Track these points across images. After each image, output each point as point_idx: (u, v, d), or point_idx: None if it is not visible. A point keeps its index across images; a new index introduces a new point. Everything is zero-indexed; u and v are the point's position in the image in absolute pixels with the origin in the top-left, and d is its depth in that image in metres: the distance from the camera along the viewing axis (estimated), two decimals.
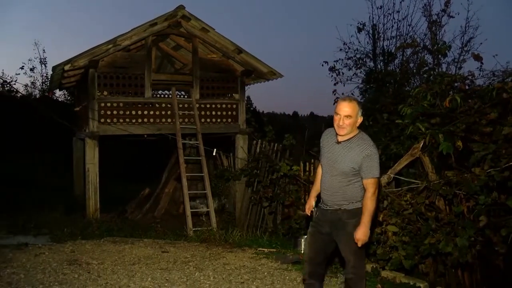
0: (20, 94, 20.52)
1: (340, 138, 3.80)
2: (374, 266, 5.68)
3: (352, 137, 3.76)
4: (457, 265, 5.66)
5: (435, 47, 12.54)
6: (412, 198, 5.84)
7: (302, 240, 6.86)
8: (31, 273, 5.30)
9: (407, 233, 5.64)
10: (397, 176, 6.53)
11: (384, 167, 7.37)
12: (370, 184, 3.67)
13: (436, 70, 11.63)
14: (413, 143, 6.46)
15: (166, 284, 5.05)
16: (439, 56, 11.85)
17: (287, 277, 5.40)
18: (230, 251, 6.69)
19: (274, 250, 6.83)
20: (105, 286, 4.95)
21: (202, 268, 5.70)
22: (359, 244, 3.67)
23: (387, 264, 5.63)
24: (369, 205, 3.66)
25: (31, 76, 29.60)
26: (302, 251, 6.70)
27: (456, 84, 7.04)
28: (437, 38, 13.50)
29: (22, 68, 25.34)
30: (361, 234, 3.64)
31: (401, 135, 7.07)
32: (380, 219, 5.70)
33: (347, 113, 3.67)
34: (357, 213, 3.72)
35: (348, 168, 3.71)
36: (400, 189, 6.25)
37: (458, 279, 6.07)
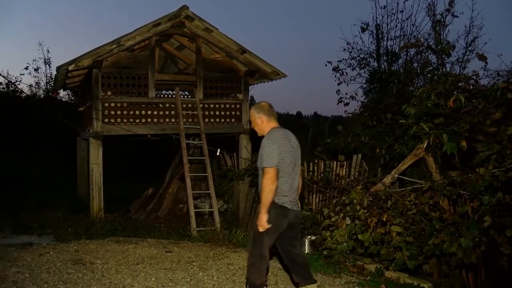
0: (24, 94, 20.61)
1: None
2: (378, 267, 5.68)
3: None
4: (462, 265, 5.65)
5: (439, 47, 12.51)
6: (416, 198, 5.83)
7: (306, 240, 6.86)
8: (36, 273, 5.32)
9: (411, 234, 5.62)
10: (401, 176, 6.52)
11: (388, 167, 7.39)
12: (263, 173, 3.99)
13: (440, 70, 11.59)
14: (417, 143, 6.45)
15: (170, 284, 5.06)
16: (443, 56, 11.83)
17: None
18: (234, 251, 6.69)
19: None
20: (109, 285, 4.96)
21: (205, 268, 5.71)
22: (259, 229, 3.98)
23: (391, 264, 5.61)
24: (261, 193, 3.98)
25: (35, 76, 29.61)
26: (306, 252, 6.70)
27: (460, 84, 7.01)
28: (441, 37, 13.47)
29: (26, 68, 25.45)
30: (257, 219, 4.02)
31: (405, 135, 7.06)
32: (384, 219, 5.69)
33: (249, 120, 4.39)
34: None
35: (258, 162, 4.17)
36: (404, 189, 6.24)
37: (463, 280, 6.05)
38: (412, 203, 5.77)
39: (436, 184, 5.80)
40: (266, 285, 4.28)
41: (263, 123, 4.23)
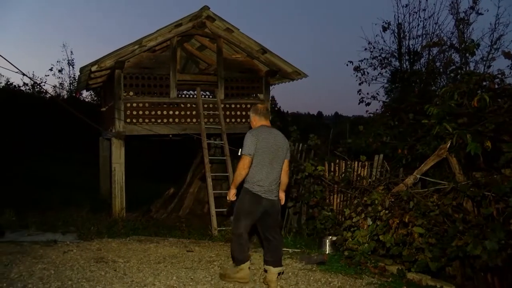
0: (49, 95, 20.99)
1: None
2: (400, 268, 5.60)
3: None
4: (486, 268, 5.55)
5: (462, 46, 12.32)
6: (438, 199, 5.75)
7: (327, 240, 6.83)
8: (60, 269, 5.41)
9: (434, 235, 5.55)
10: (423, 177, 6.44)
11: (409, 168, 7.31)
12: (240, 158, 4.83)
13: (464, 69, 11.42)
14: (440, 143, 6.37)
15: (191, 283, 5.08)
16: (467, 54, 11.62)
17: (312, 278, 5.38)
18: (255, 251, 6.69)
19: (299, 250, 6.80)
20: (131, 284, 5.01)
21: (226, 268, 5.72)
22: (227, 199, 4.96)
23: (413, 266, 5.55)
24: (234, 174, 4.90)
25: (59, 77, 30.17)
26: (327, 252, 6.67)
27: (484, 83, 6.90)
28: (465, 36, 13.27)
29: (51, 69, 25.98)
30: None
31: (427, 135, 6.99)
32: (406, 220, 5.62)
33: None
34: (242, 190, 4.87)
35: None
36: (426, 190, 6.17)
37: (488, 283, 5.93)
38: (434, 204, 5.70)
39: (460, 185, 5.71)
40: (250, 259, 5.11)
41: (255, 121, 5.06)
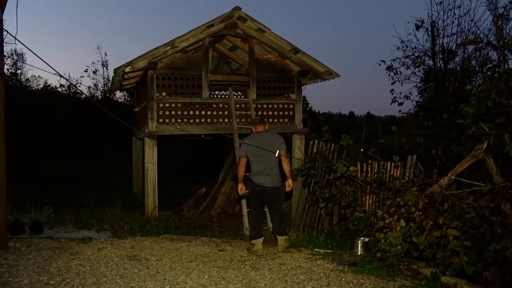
0: (84, 95, 21.53)
1: None
2: (434, 271, 5.50)
3: None
4: None
5: (501, 43, 11.98)
6: (474, 201, 5.61)
7: (359, 241, 6.76)
8: (95, 266, 5.53)
9: (469, 238, 5.42)
10: (458, 178, 6.31)
11: (444, 169, 7.17)
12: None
13: (502, 67, 11.10)
14: (476, 144, 6.22)
15: (222, 283, 5.12)
16: (506, 51, 11.29)
17: (343, 279, 5.34)
18: (286, 251, 6.69)
19: (330, 251, 6.76)
20: (163, 282, 5.08)
21: (258, 268, 5.74)
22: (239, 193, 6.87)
23: (448, 269, 5.43)
24: None
25: (93, 78, 30.89)
26: (359, 253, 6.61)
27: None
28: (504, 32, 12.90)
29: (86, 71, 26.63)
30: None
31: (462, 135, 6.84)
32: (440, 222, 5.51)
33: None
34: None
35: None
36: (461, 191, 6.03)
37: None
38: (470, 206, 5.57)
39: (498, 187, 5.56)
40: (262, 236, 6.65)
41: (253, 130, 6.89)
